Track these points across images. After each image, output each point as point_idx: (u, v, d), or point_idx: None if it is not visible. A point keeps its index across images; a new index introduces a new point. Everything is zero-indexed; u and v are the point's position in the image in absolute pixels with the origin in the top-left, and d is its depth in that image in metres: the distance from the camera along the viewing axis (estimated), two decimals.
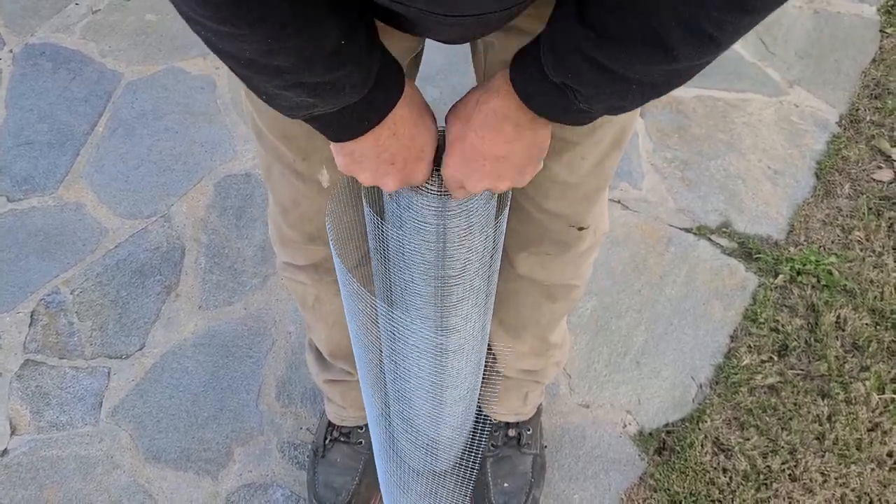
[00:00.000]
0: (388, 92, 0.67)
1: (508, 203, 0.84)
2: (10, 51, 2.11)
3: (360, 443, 1.34)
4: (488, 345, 1.25)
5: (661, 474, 1.40)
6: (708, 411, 1.47)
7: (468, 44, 0.82)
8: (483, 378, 1.32)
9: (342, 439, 1.35)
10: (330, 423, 1.36)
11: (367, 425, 1.35)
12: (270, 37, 0.53)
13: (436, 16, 0.60)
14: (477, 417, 1.30)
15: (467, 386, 1.10)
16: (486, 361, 1.28)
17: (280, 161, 0.87)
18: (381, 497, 1.35)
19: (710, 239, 1.72)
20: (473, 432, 1.28)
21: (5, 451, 1.46)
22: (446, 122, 0.74)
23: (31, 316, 1.63)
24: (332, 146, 0.72)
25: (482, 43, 0.85)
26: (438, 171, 0.76)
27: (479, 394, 1.35)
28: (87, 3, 2.21)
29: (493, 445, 1.35)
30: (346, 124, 0.66)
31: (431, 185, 0.76)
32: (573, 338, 1.57)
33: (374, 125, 0.67)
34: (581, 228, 0.96)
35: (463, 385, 1.07)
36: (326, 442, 1.35)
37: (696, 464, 1.41)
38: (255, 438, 1.46)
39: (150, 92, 2.00)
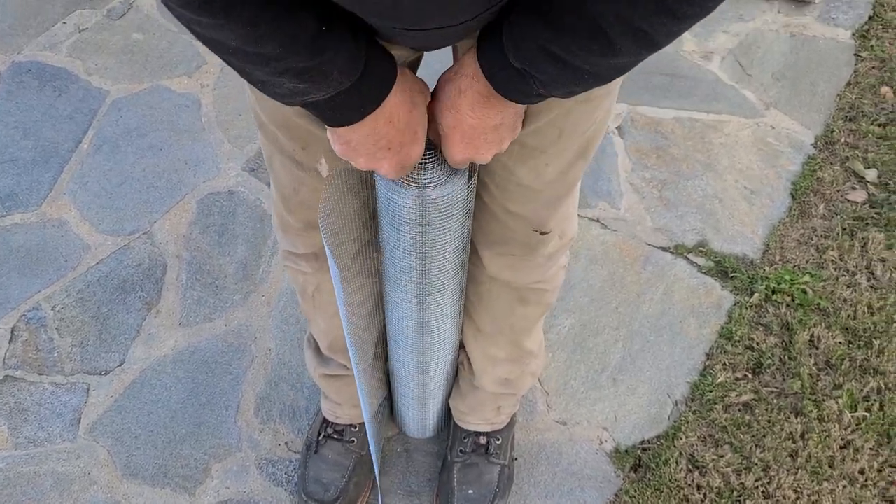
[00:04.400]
0: (381, 79, 0.70)
1: (474, 194, 0.92)
2: None
3: (353, 441, 1.36)
4: (466, 354, 1.27)
5: (636, 491, 1.41)
6: (683, 428, 1.49)
7: None
8: (458, 389, 1.35)
9: (335, 436, 1.37)
10: (324, 420, 1.39)
11: (360, 424, 1.37)
12: (249, 24, 0.56)
13: (395, 28, 0.62)
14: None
15: (448, 334, 1.17)
16: (462, 369, 1.31)
17: (281, 150, 0.90)
18: (369, 496, 1.38)
19: (686, 258, 1.74)
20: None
21: None
22: (432, 112, 0.79)
23: (12, 332, 1.63)
24: (329, 133, 0.75)
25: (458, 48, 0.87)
26: (431, 153, 0.83)
27: (454, 405, 1.37)
28: (75, 22, 2.23)
29: (461, 451, 1.36)
30: (341, 111, 0.70)
31: (418, 173, 0.84)
32: (551, 355, 1.59)
33: (370, 113, 0.71)
34: (543, 233, 0.98)
35: (446, 332, 1.15)
36: (320, 438, 1.37)
37: (670, 481, 1.42)
38: (233, 455, 1.47)
39: (135, 110, 2.02)
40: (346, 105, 0.69)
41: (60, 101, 2.04)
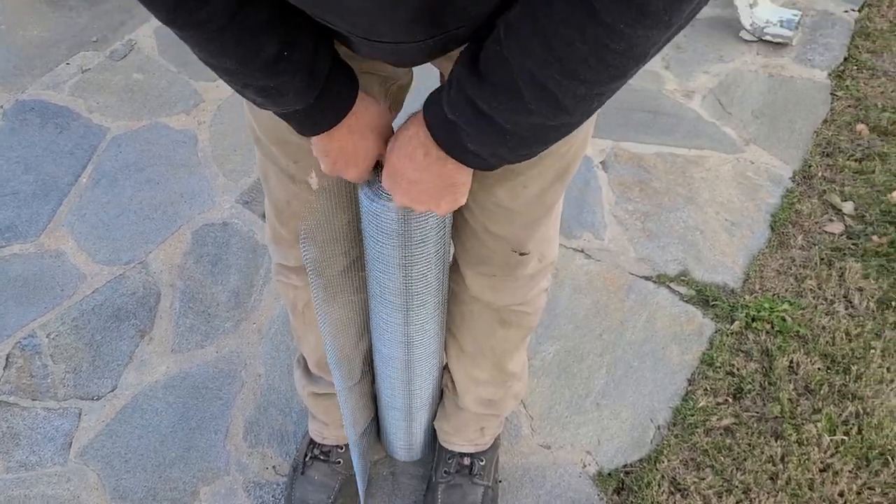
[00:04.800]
0: (334, 109, 0.77)
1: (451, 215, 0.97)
2: (1, 107, 2.19)
3: (339, 462, 1.39)
4: (450, 375, 1.30)
5: None
6: (665, 452, 1.51)
7: None
8: (443, 410, 1.38)
9: (321, 457, 1.39)
10: (311, 441, 1.41)
11: (346, 445, 1.39)
12: (212, 40, 0.64)
13: (359, 38, 0.68)
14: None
15: (433, 348, 1.20)
16: (446, 390, 1.34)
17: (275, 164, 0.96)
18: None
19: (669, 287, 1.78)
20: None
21: None
22: (389, 156, 0.83)
23: (7, 359, 1.66)
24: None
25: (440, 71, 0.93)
26: None
27: (439, 426, 1.40)
28: (78, 63, 2.31)
29: (445, 472, 1.39)
30: (300, 125, 0.78)
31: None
32: (536, 380, 1.62)
33: (323, 132, 0.79)
34: (522, 254, 1.02)
35: (430, 346, 1.18)
36: (306, 459, 1.40)
37: (653, 503, 1.44)
38: (221, 478, 1.49)
39: (133, 145, 2.08)
40: (302, 122, 0.78)
41: (61, 138, 2.10)
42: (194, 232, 1.88)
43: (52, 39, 2.38)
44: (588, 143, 0.98)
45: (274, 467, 1.50)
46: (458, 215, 1.02)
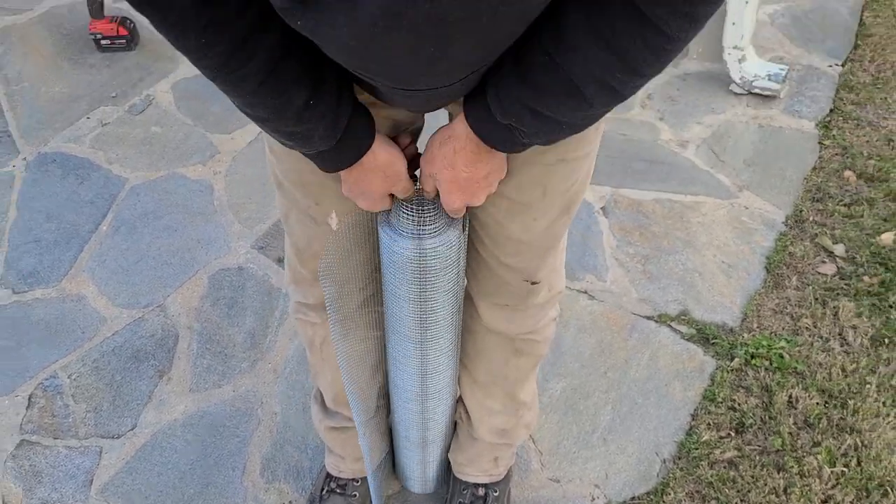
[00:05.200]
0: (354, 150, 0.86)
1: (466, 245, 1.05)
2: (24, 159, 2.28)
3: (355, 496, 1.42)
4: (464, 407, 1.36)
5: None
6: (671, 484, 1.55)
7: None
8: (457, 442, 1.43)
9: (338, 490, 1.43)
10: (328, 475, 1.45)
11: (362, 478, 1.44)
12: (251, 93, 0.73)
13: (395, 89, 0.76)
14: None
15: (446, 382, 1.26)
16: (460, 422, 1.39)
17: (296, 206, 1.03)
18: None
19: (670, 326, 1.85)
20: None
21: None
22: (429, 172, 0.92)
23: (29, 399, 1.71)
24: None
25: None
26: (428, 206, 0.97)
27: (453, 457, 1.44)
28: (98, 118, 2.41)
29: (460, 502, 1.42)
30: (324, 164, 0.87)
31: (418, 224, 0.98)
32: (544, 417, 1.67)
33: (345, 168, 0.88)
34: (534, 283, 1.09)
35: (443, 381, 1.25)
36: (323, 492, 1.44)
37: None
38: None
39: (152, 195, 2.16)
40: (325, 160, 0.87)
41: (82, 188, 2.19)
42: (211, 276, 1.95)
43: (72, 95, 2.49)
44: (589, 179, 1.06)
45: (290, 502, 1.54)
46: (472, 250, 1.10)
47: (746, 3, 2.29)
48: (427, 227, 0.98)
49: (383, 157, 0.90)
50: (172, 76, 2.56)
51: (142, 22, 2.75)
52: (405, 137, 0.97)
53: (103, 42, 2.61)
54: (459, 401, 1.38)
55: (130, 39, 2.62)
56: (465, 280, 1.16)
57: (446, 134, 0.88)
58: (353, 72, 0.77)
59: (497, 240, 1.05)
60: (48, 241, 2.04)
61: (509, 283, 1.11)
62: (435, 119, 0.94)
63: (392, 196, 0.96)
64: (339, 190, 0.94)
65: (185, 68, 2.59)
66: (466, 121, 0.84)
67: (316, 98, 0.78)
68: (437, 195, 0.95)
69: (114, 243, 2.04)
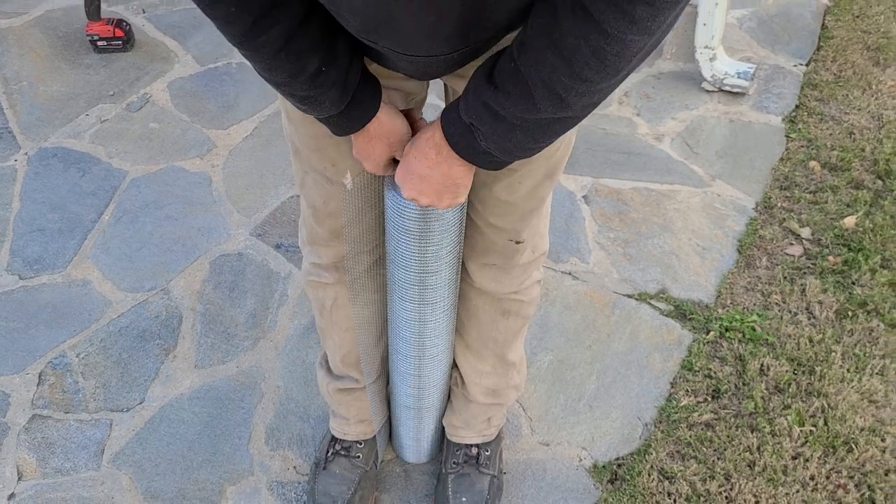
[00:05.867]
0: (363, 112, 0.95)
1: (465, 212, 1.13)
2: (25, 153, 2.35)
3: (358, 457, 1.51)
4: (458, 371, 1.46)
5: (613, 500, 1.57)
6: (653, 445, 1.66)
7: None
8: (452, 407, 1.52)
9: (343, 453, 1.51)
10: (333, 438, 1.54)
11: (365, 441, 1.52)
12: (270, 56, 0.83)
13: (396, 53, 0.87)
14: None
15: (443, 347, 1.36)
16: (455, 387, 1.49)
17: (313, 169, 1.13)
18: None
19: (649, 303, 1.96)
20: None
21: (12, 495, 1.57)
22: (405, 156, 1.01)
23: (40, 377, 1.78)
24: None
25: (448, 88, 1.12)
26: None
27: (448, 421, 1.54)
28: (97, 114, 2.49)
29: (454, 463, 1.52)
30: (334, 128, 0.97)
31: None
32: (533, 387, 1.77)
33: (355, 131, 0.98)
34: (518, 242, 1.20)
35: (440, 345, 1.34)
36: (328, 454, 1.52)
37: (644, 490, 1.58)
38: (246, 479, 1.60)
39: (152, 186, 2.24)
40: (335, 125, 0.97)
41: (84, 180, 2.26)
42: (212, 262, 2.03)
43: (71, 94, 2.56)
44: (570, 147, 1.16)
45: (295, 467, 1.62)
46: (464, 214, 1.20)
47: (716, 4, 2.44)
48: None
49: (388, 126, 1.00)
50: (168, 76, 2.64)
51: (137, 24, 2.84)
52: (416, 113, 1.08)
53: (100, 43, 2.69)
54: (454, 367, 1.48)
55: (126, 41, 2.70)
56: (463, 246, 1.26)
57: (429, 130, 0.97)
58: (363, 39, 0.88)
59: (485, 201, 1.15)
60: (52, 231, 2.11)
61: (496, 243, 1.21)
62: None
63: (396, 162, 1.06)
64: (352, 152, 1.04)
65: (181, 68, 2.68)
66: (441, 116, 0.94)
67: (328, 66, 0.87)
68: None
69: (116, 232, 2.11)
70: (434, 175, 0.96)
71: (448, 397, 1.54)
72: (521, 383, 1.53)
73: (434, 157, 0.94)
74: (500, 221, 1.18)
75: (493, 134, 0.86)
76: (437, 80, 1.04)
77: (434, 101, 1.49)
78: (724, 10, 2.48)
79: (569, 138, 1.14)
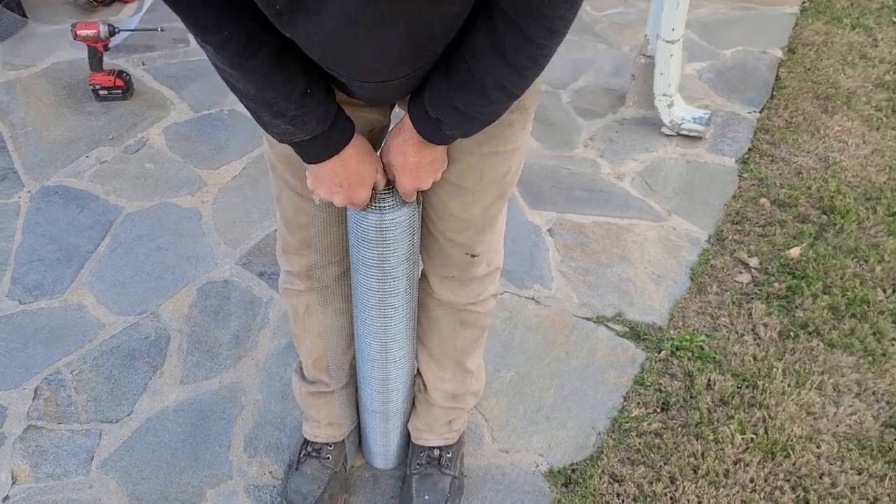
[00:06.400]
0: (342, 134, 1.10)
1: (418, 224, 1.27)
2: (29, 191, 2.52)
3: (328, 458, 1.63)
4: (421, 378, 1.59)
5: (566, 501, 1.69)
6: (605, 452, 1.78)
7: None
8: (416, 411, 1.65)
9: (314, 454, 1.63)
10: (305, 441, 1.66)
11: (335, 443, 1.64)
12: (262, 76, 0.98)
13: (354, 80, 1.03)
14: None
15: (405, 350, 1.49)
16: (418, 393, 1.62)
17: (287, 186, 1.29)
18: None
19: (606, 325, 2.11)
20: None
21: (6, 498, 1.68)
22: (387, 159, 1.17)
23: (35, 391, 1.91)
24: (307, 170, 1.13)
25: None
26: (388, 188, 1.20)
27: (412, 425, 1.66)
28: (96, 156, 2.67)
29: (418, 464, 1.64)
30: (314, 151, 1.10)
31: (379, 201, 1.20)
32: (495, 399, 1.90)
33: (333, 155, 1.10)
34: (474, 255, 1.35)
35: (402, 349, 1.47)
36: (301, 456, 1.64)
37: (595, 492, 1.70)
38: (225, 482, 1.72)
39: (146, 221, 2.41)
40: (318, 147, 1.10)
41: (82, 215, 2.42)
42: (199, 288, 2.18)
43: (73, 138, 2.75)
44: (520, 171, 1.33)
45: (271, 472, 1.74)
46: (424, 229, 1.36)
47: (671, 55, 2.65)
48: (386, 203, 1.24)
49: (362, 146, 1.15)
50: (164, 121, 2.83)
51: (136, 74, 3.05)
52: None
53: (101, 92, 2.89)
54: (418, 374, 1.62)
55: (126, 90, 2.90)
56: (420, 258, 1.41)
57: (398, 128, 1.15)
58: (326, 68, 1.05)
59: (443, 217, 1.31)
60: (51, 260, 2.26)
61: (453, 256, 1.37)
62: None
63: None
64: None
65: (176, 114, 2.88)
66: (409, 116, 1.12)
67: (313, 88, 1.04)
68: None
69: (111, 261, 2.26)
70: (422, 162, 1.15)
71: (413, 404, 1.67)
72: (480, 390, 1.67)
73: (413, 149, 1.13)
74: (457, 236, 1.33)
75: (458, 125, 1.07)
76: (398, 110, 1.21)
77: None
78: (678, 61, 2.69)
79: (517, 165, 1.30)
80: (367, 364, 1.51)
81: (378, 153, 1.21)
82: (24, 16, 3.39)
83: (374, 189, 1.21)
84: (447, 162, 1.21)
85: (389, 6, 0.88)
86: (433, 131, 1.10)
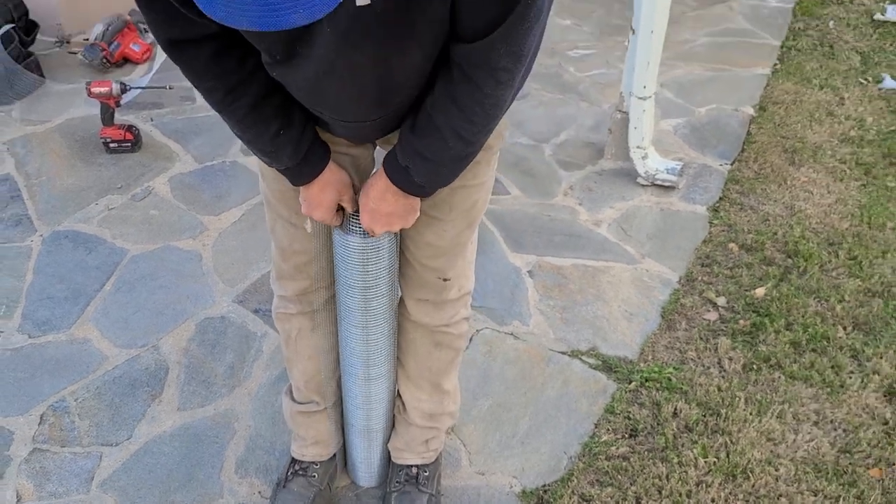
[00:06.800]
0: (312, 167, 1.29)
1: (398, 245, 1.44)
2: (41, 235, 2.68)
3: (314, 476, 1.74)
4: (401, 399, 1.72)
5: None
6: (575, 474, 1.89)
7: None
8: (395, 431, 1.77)
9: (300, 472, 1.74)
10: (293, 460, 1.77)
11: (321, 462, 1.76)
12: (241, 119, 1.18)
13: (335, 120, 1.21)
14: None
15: (386, 368, 1.63)
16: (398, 413, 1.75)
17: (280, 217, 1.45)
18: None
19: (580, 359, 2.24)
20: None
21: None
22: (363, 201, 1.33)
23: (41, 417, 2.03)
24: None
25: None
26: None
27: (392, 445, 1.78)
28: (105, 204, 2.84)
29: (397, 482, 1.75)
30: (293, 178, 1.29)
31: (360, 224, 1.36)
32: (473, 425, 2.02)
33: (304, 184, 1.30)
34: (446, 279, 1.50)
35: (383, 365, 1.61)
36: (288, 474, 1.75)
37: None
38: (216, 501, 1.83)
39: (149, 262, 2.56)
40: (291, 175, 1.30)
41: (90, 257, 2.58)
42: (198, 323, 2.32)
43: (83, 186, 2.93)
44: (486, 204, 1.49)
45: (259, 492, 1.85)
46: (402, 256, 1.51)
47: (643, 111, 2.84)
48: None
49: (336, 175, 1.33)
50: (170, 172, 3.02)
51: (145, 129, 3.25)
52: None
53: (112, 145, 3.08)
54: (398, 395, 1.74)
55: (135, 143, 3.10)
56: (398, 281, 1.56)
57: (378, 175, 1.31)
58: (310, 109, 1.22)
59: (418, 245, 1.47)
60: (60, 298, 2.41)
61: (428, 280, 1.51)
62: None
63: (341, 212, 1.38)
64: (301, 210, 1.37)
65: (181, 166, 3.06)
66: (383, 164, 1.29)
67: (285, 129, 1.23)
68: None
69: (116, 299, 2.41)
70: (395, 210, 1.31)
71: (393, 425, 1.79)
72: (455, 412, 1.79)
73: (391, 198, 1.29)
74: (431, 262, 1.49)
75: (423, 170, 1.23)
76: (381, 150, 1.38)
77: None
78: (650, 116, 2.88)
79: (485, 197, 1.47)
80: (351, 380, 1.64)
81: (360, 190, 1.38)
82: (42, 76, 3.62)
83: (353, 215, 1.37)
84: (417, 213, 1.36)
85: (359, 58, 1.06)
86: (404, 179, 1.25)
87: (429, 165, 1.21)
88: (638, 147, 2.92)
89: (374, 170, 1.36)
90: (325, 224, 1.42)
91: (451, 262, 1.50)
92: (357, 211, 1.38)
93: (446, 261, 1.49)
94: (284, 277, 1.55)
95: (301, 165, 1.28)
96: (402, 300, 1.60)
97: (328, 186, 1.33)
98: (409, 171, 1.23)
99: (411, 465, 1.78)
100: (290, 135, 1.23)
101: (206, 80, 1.14)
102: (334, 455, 1.82)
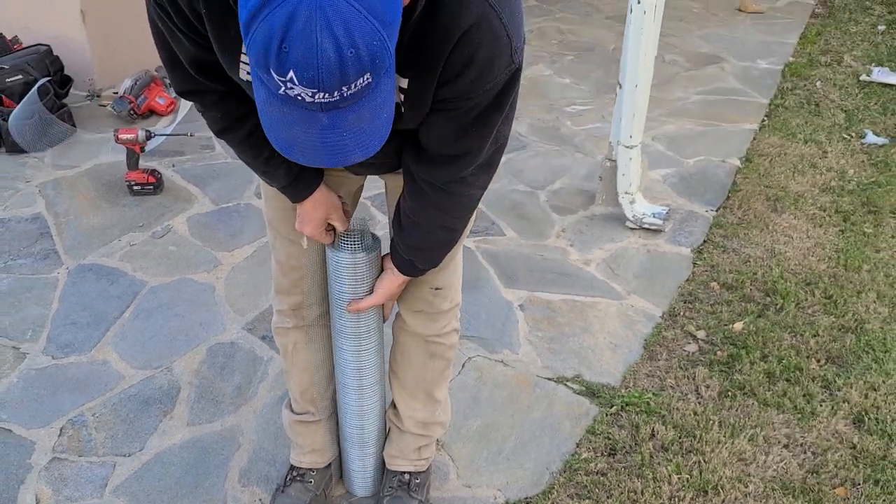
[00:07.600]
0: (305, 188, 1.47)
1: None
2: (67, 268, 2.89)
3: (311, 482, 1.88)
4: (395, 408, 1.87)
5: None
6: (556, 488, 2.02)
7: None
8: (389, 439, 1.91)
9: (298, 479, 1.88)
10: (291, 467, 1.91)
11: (318, 469, 1.89)
12: (237, 145, 1.39)
13: None
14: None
15: (377, 380, 1.78)
16: (391, 422, 1.89)
17: (280, 234, 1.63)
18: None
19: (566, 384, 2.38)
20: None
21: None
22: (379, 283, 1.58)
23: (61, 430, 2.19)
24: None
25: (382, 182, 1.65)
26: (359, 232, 1.57)
27: (386, 451, 1.92)
28: (127, 240, 3.05)
29: (389, 488, 1.88)
30: (290, 195, 1.48)
31: (352, 243, 1.55)
32: (462, 443, 2.16)
33: (298, 202, 1.48)
34: (437, 289, 1.66)
35: (374, 375, 1.76)
36: (286, 480, 1.89)
37: None
38: None
39: (166, 292, 2.75)
40: (290, 194, 1.49)
41: (111, 288, 2.77)
42: (209, 348, 2.49)
43: (108, 225, 3.14)
44: (466, 235, 1.67)
45: (260, 500, 1.99)
46: None
47: (630, 159, 3.04)
48: (357, 245, 1.58)
49: (326, 196, 1.52)
50: (188, 212, 3.23)
51: (167, 174, 3.48)
52: (346, 204, 1.61)
53: (136, 188, 3.31)
54: (392, 405, 1.90)
55: (157, 186, 3.32)
56: (396, 305, 1.73)
57: (386, 276, 1.58)
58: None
59: None
60: (82, 324, 2.59)
61: (422, 291, 1.68)
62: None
63: (333, 231, 1.57)
64: (295, 226, 1.56)
65: (199, 207, 3.28)
66: (391, 261, 1.55)
67: (277, 155, 1.40)
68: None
69: (134, 325, 2.59)
70: (402, 288, 1.61)
71: (387, 434, 1.93)
72: (446, 422, 1.94)
73: (399, 281, 1.56)
74: (424, 275, 1.66)
75: (422, 259, 1.49)
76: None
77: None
78: (637, 164, 3.08)
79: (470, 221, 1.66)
80: (344, 390, 1.79)
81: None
82: (74, 125, 3.88)
83: (343, 234, 1.56)
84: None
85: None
86: (410, 268, 1.53)
87: (424, 253, 1.49)
88: (626, 193, 3.11)
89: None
90: (318, 243, 1.60)
91: (441, 273, 1.67)
92: (347, 231, 1.57)
93: (437, 273, 1.66)
94: (282, 292, 1.73)
95: (296, 183, 1.46)
96: (398, 314, 1.76)
97: (319, 205, 1.51)
98: (413, 262, 1.51)
99: (404, 472, 1.91)
100: (281, 159, 1.42)
101: (211, 112, 1.36)
102: (330, 464, 1.96)
